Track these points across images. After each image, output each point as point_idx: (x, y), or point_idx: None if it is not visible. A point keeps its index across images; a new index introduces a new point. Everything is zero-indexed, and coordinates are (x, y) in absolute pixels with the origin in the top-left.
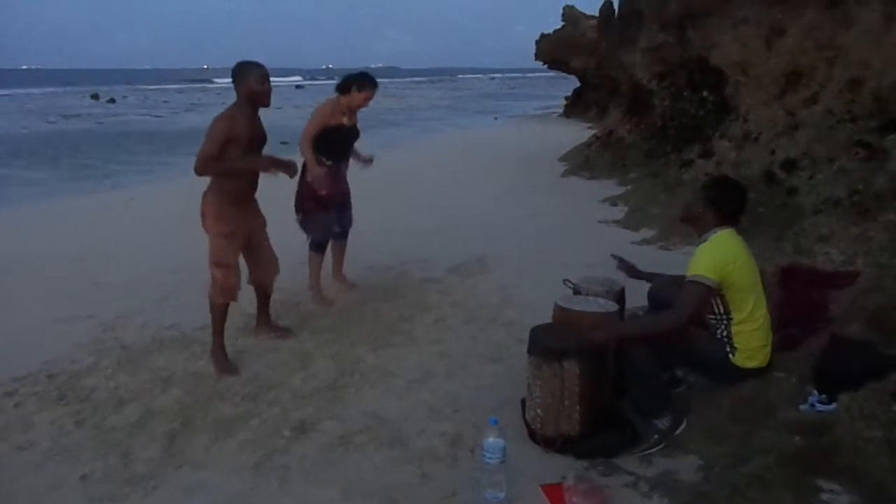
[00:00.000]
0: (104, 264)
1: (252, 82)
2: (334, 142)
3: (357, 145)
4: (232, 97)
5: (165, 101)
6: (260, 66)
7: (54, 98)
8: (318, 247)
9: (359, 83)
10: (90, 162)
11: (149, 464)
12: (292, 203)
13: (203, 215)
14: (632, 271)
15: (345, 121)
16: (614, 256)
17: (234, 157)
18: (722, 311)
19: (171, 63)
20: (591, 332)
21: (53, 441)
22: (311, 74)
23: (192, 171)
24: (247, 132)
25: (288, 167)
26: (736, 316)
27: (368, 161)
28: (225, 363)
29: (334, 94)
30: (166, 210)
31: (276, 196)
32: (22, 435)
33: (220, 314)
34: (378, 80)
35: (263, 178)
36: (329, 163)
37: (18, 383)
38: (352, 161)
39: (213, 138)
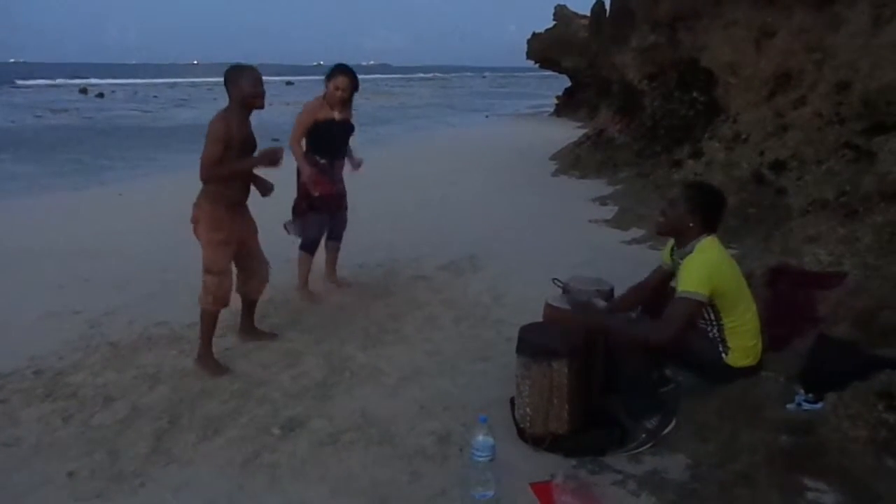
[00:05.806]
0: (92, 260)
1: (245, 86)
2: (326, 138)
3: (352, 143)
4: (222, 92)
5: (155, 97)
6: (253, 70)
7: (42, 92)
8: (308, 247)
9: (329, 74)
10: (78, 157)
11: (136, 461)
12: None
13: (195, 221)
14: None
15: (335, 115)
16: (584, 308)
17: (231, 160)
18: (712, 316)
19: (160, 58)
20: (576, 319)
21: (40, 438)
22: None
23: (191, 174)
24: (240, 135)
25: (276, 152)
26: (726, 321)
27: (358, 165)
28: (216, 368)
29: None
30: (155, 206)
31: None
32: (8, 431)
33: (210, 321)
34: (369, 77)
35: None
36: (322, 161)
37: (4, 379)
38: (346, 162)
39: (213, 140)
